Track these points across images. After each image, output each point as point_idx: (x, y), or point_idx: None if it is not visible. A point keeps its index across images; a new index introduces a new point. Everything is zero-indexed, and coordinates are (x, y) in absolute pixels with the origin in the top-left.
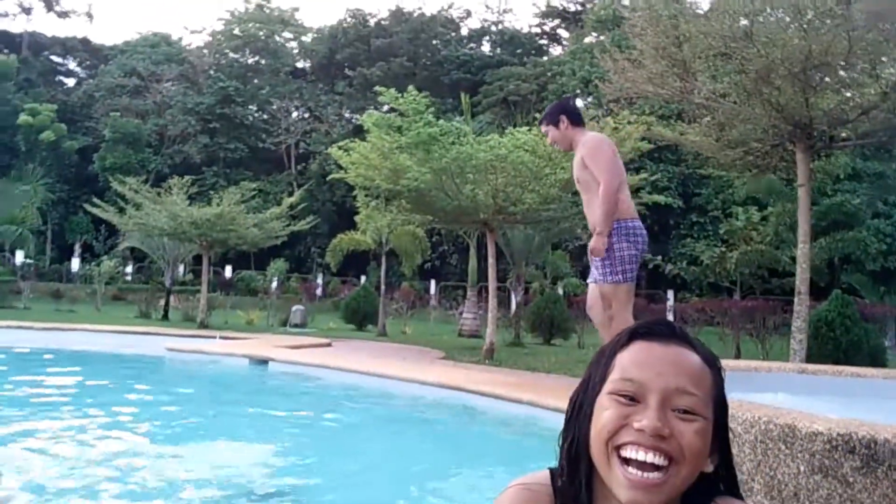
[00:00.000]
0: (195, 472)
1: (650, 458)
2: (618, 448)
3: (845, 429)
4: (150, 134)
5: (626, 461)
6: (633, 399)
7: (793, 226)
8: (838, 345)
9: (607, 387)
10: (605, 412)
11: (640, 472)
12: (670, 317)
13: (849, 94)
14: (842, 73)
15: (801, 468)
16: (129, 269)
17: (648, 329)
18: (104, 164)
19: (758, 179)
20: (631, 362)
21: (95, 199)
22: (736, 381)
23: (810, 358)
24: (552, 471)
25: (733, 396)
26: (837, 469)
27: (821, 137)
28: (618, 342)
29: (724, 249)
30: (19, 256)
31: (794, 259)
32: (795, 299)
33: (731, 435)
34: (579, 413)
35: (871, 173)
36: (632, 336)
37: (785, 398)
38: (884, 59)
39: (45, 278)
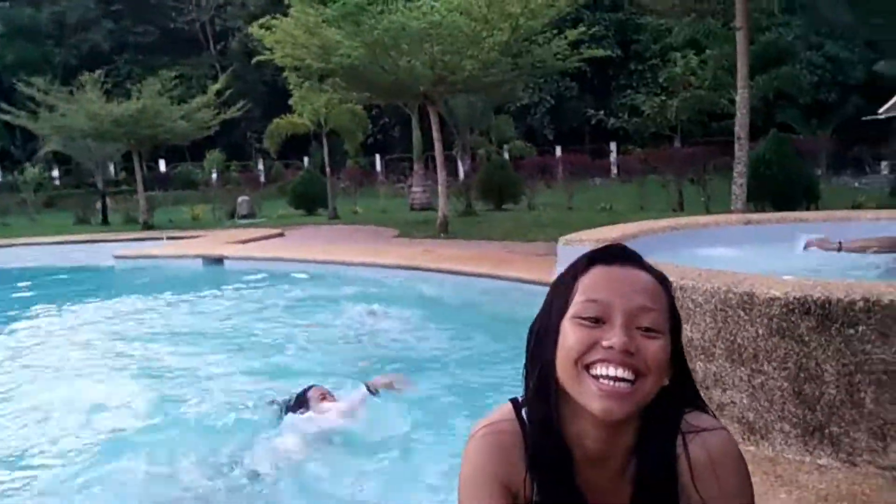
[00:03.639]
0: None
1: (619, 372)
2: (587, 367)
3: (801, 291)
4: (48, 24)
5: (597, 378)
6: (596, 321)
7: (731, 68)
8: (776, 182)
9: (571, 310)
10: (572, 335)
11: (611, 383)
12: (614, 169)
13: None
14: None
15: (760, 331)
16: (55, 173)
17: (605, 254)
18: (4, 62)
19: (695, 24)
20: (594, 285)
21: (3, 104)
22: (687, 238)
23: (750, 198)
24: (514, 402)
25: (686, 254)
26: (794, 330)
27: None
28: (576, 268)
29: (664, 98)
30: None
31: (732, 101)
32: (736, 144)
33: (692, 306)
34: (544, 339)
35: (803, 4)
36: (590, 262)
37: (734, 251)
38: None
39: None
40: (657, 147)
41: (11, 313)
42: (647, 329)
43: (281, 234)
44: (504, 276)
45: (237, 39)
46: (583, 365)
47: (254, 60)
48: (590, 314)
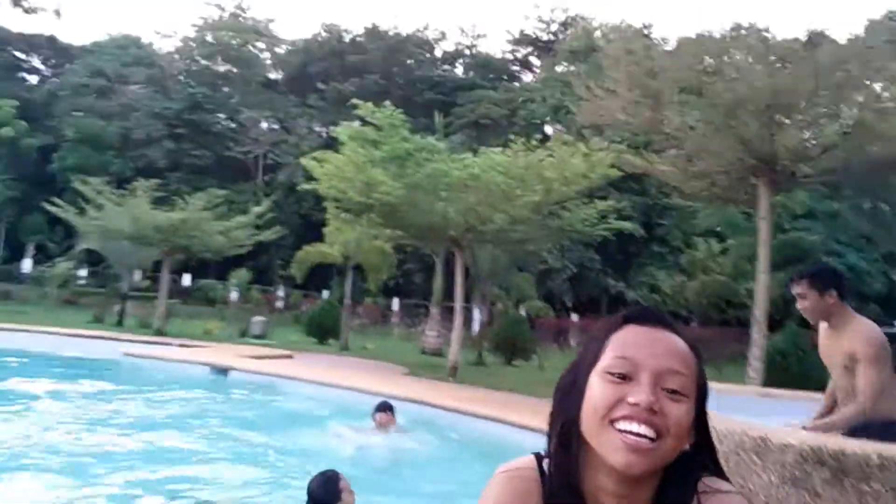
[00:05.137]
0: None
1: (643, 430)
2: (612, 422)
3: (816, 442)
4: (114, 136)
5: (620, 432)
6: (623, 377)
7: (751, 258)
8: (791, 374)
9: (601, 364)
10: (599, 389)
11: (634, 437)
12: None
13: (810, 133)
14: (804, 114)
15: (773, 479)
16: (82, 272)
17: (639, 315)
18: (64, 163)
19: (718, 212)
20: (625, 342)
21: (56, 199)
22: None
23: (765, 386)
24: (537, 455)
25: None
26: (807, 480)
27: (783, 173)
28: (611, 325)
29: (684, 279)
30: None
31: (749, 291)
32: (753, 328)
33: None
34: (571, 391)
35: (825, 212)
36: (625, 320)
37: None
38: (842, 105)
39: None
40: None
41: (10, 389)
42: (674, 391)
43: (290, 356)
44: (507, 421)
45: (285, 173)
46: (609, 420)
47: (299, 188)
48: (618, 370)
